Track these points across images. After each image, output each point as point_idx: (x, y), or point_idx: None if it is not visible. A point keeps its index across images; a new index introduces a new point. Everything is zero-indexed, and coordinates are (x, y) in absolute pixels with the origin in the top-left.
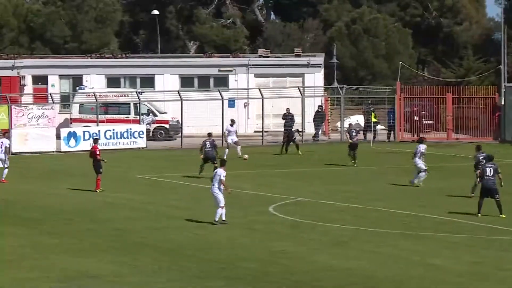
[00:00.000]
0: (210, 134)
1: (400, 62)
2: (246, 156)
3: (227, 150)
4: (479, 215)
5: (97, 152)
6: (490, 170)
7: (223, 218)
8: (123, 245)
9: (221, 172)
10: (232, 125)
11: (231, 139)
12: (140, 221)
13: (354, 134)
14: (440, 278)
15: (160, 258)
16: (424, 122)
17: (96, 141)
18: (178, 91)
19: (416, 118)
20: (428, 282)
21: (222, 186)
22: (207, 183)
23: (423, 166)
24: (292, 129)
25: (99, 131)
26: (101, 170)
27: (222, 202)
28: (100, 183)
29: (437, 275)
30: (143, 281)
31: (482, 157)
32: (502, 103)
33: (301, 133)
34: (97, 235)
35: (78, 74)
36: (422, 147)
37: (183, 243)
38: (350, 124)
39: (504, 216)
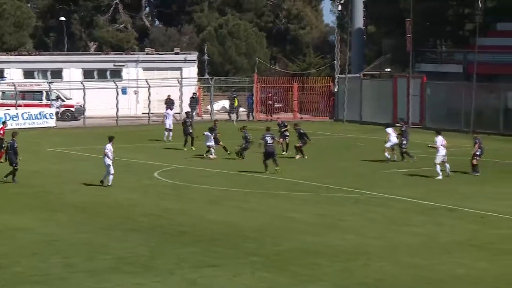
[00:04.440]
0: (268, 129)
1: (257, 59)
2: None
3: (165, 133)
4: (268, 172)
5: (1, 132)
6: (270, 138)
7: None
8: (45, 204)
9: (108, 147)
10: (171, 108)
11: (168, 122)
12: (58, 185)
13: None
14: (296, 227)
15: (75, 214)
16: (276, 105)
17: (4, 123)
18: (81, 82)
19: (269, 102)
20: (285, 230)
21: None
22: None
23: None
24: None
25: (17, 113)
26: (3, 146)
27: (112, 170)
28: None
29: (293, 225)
30: (53, 232)
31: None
32: (336, 90)
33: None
34: (25, 196)
35: (0, 68)
36: None
37: (93, 202)
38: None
39: (278, 169)
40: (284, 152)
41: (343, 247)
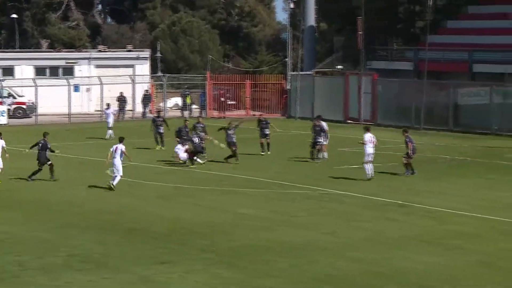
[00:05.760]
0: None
1: (210, 56)
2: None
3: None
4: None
5: None
6: (197, 139)
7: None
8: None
9: (121, 147)
10: (107, 108)
11: (109, 121)
12: (10, 183)
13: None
14: (248, 223)
15: (27, 212)
16: (228, 102)
17: None
18: (33, 79)
19: (222, 99)
20: (238, 226)
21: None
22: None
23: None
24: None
25: None
26: None
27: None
28: None
29: (245, 221)
30: (5, 230)
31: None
32: (288, 87)
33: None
34: None
35: None
36: None
37: (45, 200)
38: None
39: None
40: (262, 153)
41: (294, 243)
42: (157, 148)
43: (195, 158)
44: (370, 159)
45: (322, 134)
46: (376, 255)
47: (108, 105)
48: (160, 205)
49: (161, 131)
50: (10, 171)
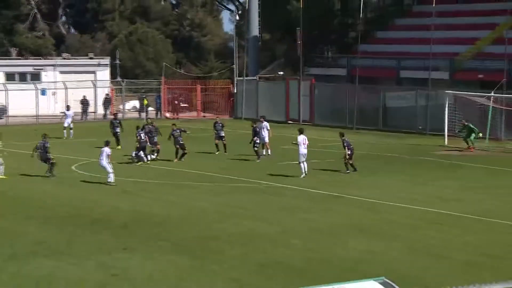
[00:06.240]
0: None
1: (164, 63)
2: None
3: (65, 132)
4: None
5: None
6: (143, 135)
7: (112, 181)
8: None
9: (107, 150)
10: (68, 109)
11: (67, 121)
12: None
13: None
14: (199, 214)
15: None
16: (181, 105)
17: None
18: (3, 84)
19: (176, 102)
20: (190, 217)
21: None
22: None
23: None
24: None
25: None
26: None
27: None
28: None
29: (197, 213)
30: None
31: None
32: (235, 91)
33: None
34: None
35: None
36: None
37: (13, 194)
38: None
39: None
40: (216, 152)
41: (242, 233)
42: (117, 148)
43: (138, 153)
44: (304, 159)
45: (258, 134)
46: (316, 243)
47: (68, 107)
48: (119, 198)
49: (118, 131)
50: None
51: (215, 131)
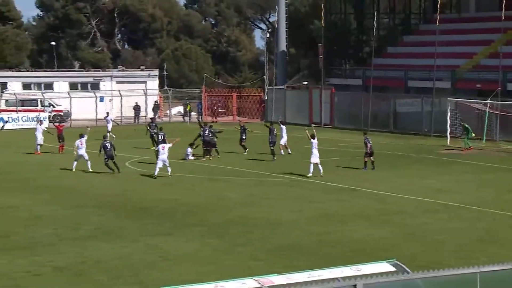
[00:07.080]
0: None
1: (205, 74)
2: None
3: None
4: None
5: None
6: (109, 144)
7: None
8: (31, 188)
9: (167, 145)
10: (107, 115)
11: (109, 126)
12: (41, 172)
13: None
14: (229, 203)
15: (56, 195)
16: (219, 110)
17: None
18: (68, 92)
19: (215, 107)
20: (222, 206)
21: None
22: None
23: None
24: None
25: (18, 116)
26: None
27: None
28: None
29: (227, 202)
30: (41, 209)
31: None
32: (265, 98)
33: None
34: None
35: (3, 82)
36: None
37: (70, 185)
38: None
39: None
40: (245, 152)
41: (265, 219)
42: (151, 148)
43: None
44: (317, 160)
45: (271, 134)
46: (327, 228)
47: (107, 113)
48: (161, 190)
49: (154, 134)
50: (41, 161)
51: (240, 133)
